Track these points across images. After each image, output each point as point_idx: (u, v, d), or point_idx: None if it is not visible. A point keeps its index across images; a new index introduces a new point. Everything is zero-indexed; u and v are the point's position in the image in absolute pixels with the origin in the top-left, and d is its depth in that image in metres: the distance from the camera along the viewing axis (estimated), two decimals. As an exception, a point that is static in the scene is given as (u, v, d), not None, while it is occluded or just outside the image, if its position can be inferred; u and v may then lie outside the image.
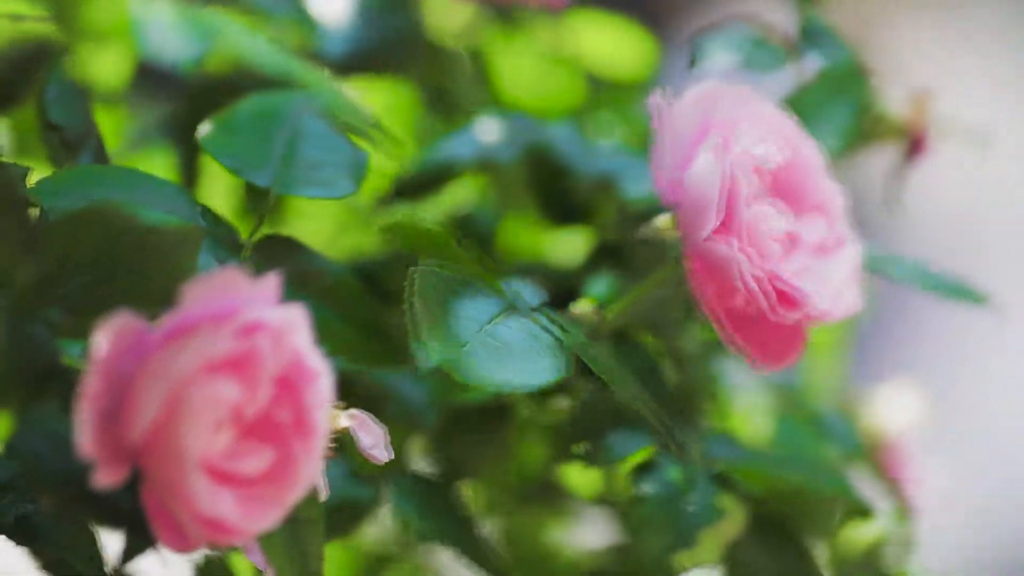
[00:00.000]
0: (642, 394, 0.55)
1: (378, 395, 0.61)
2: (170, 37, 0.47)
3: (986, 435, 1.74)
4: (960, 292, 0.66)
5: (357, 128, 0.58)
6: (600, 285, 0.61)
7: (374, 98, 0.74)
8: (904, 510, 0.78)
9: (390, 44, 0.73)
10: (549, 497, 0.74)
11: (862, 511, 0.65)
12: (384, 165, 0.67)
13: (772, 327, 0.54)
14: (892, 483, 0.80)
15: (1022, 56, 2.09)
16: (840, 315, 0.54)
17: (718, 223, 0.53)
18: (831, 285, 0.55)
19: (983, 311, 0.67)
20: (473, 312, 0.51)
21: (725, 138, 0.54)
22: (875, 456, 0.80)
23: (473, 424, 0.64)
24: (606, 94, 0.79)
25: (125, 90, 0.74)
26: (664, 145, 0.55)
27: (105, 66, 0.74)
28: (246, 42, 0.52)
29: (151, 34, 0.47)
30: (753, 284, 0.53)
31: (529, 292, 0.56)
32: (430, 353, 0.48)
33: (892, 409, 0.82)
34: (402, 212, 0.70)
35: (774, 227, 0.55)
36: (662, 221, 0.56)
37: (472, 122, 0.69)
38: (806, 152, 0.57)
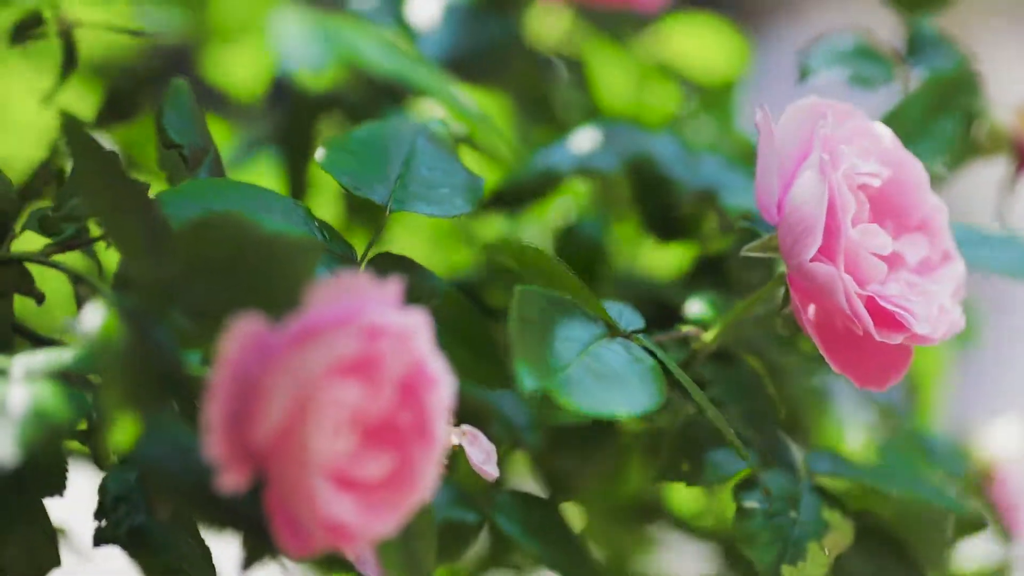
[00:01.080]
0: (738, 416, 0.54)
1: (482, 413, 0.61)
2: (302, 45, 0.48)
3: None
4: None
5: (469, 139, 0.58)
6: (702, 303, 0.60)
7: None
8: (1009, 537, 0.77)
9: (486, 52, 0.73)
10: (650, 517, 0.73)
11: (974, 524, 0.64)
12: (488, 174, 0.67)
13: (873, 347, 0.53)
14: (1002, 514, 0.79)
15: None
16: (943, 336, 0.53)
17: (822, 243, 0.51)
18: (935, 305, 0.53)
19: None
20: (575, 334, 0.51)
21: (829, 156, 0.52)
22: (986, 487, 0.80)
23: (576, 443, 0.64)
24: (701, 97, 0.79)
25: (260, 99, 0.75)
26: (766, 163, 0.53)
27: (240, 76, 0.75)
28: (366, 48, 0.52)
29: (285, 42, 0.47)
30: (858, 305, 0.51)
31: (628, 314, 0.55)
32: (526, 377, 0.48)
33: (1005, 442, 0.81)
34: (505, 232, 0.70)
35: (878, 247, 0.53)
36: (764, 239, 0.55)
37: (571, 132, 0.69)
38: (908, 168, 0.55)
